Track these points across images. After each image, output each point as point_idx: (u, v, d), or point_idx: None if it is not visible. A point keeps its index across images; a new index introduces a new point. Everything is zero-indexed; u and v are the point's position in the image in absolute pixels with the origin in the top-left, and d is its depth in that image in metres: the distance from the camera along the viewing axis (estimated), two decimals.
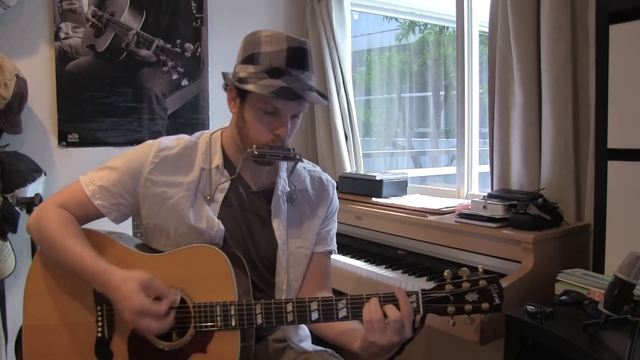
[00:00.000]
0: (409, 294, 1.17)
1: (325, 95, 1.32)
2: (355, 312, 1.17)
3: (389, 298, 1.16)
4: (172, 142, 1.35)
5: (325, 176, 1.50)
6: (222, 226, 1.31)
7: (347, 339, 1.26)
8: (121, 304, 1.16)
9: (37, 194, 2.10)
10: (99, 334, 1.26)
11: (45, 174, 2.24)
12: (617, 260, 1.21)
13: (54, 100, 2.38)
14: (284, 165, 1.41)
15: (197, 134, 1.40)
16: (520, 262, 1.67)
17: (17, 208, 2.06)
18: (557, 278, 1.58)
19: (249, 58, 1.26)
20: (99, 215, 1.31)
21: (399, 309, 1.14)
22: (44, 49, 2.35)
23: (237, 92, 1.30)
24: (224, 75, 1.33)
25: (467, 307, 1.15)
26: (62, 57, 2.38)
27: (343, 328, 1.30)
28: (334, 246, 1.49)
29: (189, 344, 1.22)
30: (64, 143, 2.41)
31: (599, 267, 1.60)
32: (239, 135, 1.32)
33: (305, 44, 1.27)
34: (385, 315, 1.13)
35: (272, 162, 1.32)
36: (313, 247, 1.43)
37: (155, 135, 2.60)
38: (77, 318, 1.27)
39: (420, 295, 1.17)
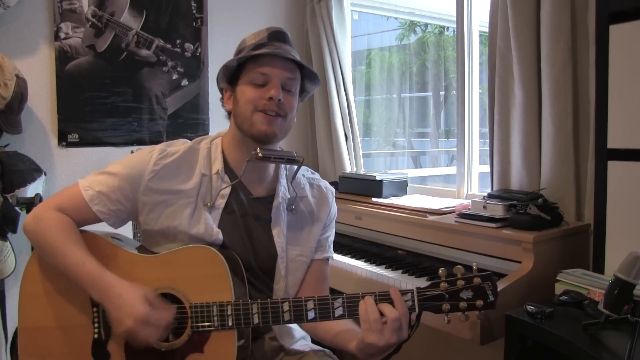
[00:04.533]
0: (404, 292, 1.18)
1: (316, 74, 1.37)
2: (352, 311, 1.18)
3: (384, 297, 1.16)
4: (172, 147, 1.34)
5: (324, 183, 1.51)
6: (220, 236, 1.31)
7: (343, 340, 1.26)
8: (123, 311, 1.15)
9: (37, 194, 2.10)
10: (96, 335, 1.26)
11: (45, 174, 2.24)
12: (617, 260, 1.21)
13: (54, 100, 2.38)
14: (284, 172, 1.41)
15: (197, 139, 1.40)
16: (520, 262, 1.67)
17: (17, 208, 2.06)
18: (557, 278, 1.58)
19: (236, 53, 1.35)
20: (96, 220, 1.30)
21: (394, 307, 1.14)
22: (44, 49, 2.35)
23: (229, 84, 1.33)
24: (217, 78, 1.36)
25: (462, 304, 1.17)
26: (62, 57, 2.38)
27: (338, 329, 1.30)
28: (332, 253, 1.49)
29: (186, 344, 1.22)
30: (64, 143, 2.41)
31: (599, 267, 1.59)
32: (237, 123, 1.32)
33: (283, 29, 1.36)
34: (382, 315, 1.13)
35: (276, 163, 1.34)
36: (312, 255, 1.43)
37: (155, 135, 2.61)
38: (73, 319, 1.26)
39: (415, 293, 1.17)
